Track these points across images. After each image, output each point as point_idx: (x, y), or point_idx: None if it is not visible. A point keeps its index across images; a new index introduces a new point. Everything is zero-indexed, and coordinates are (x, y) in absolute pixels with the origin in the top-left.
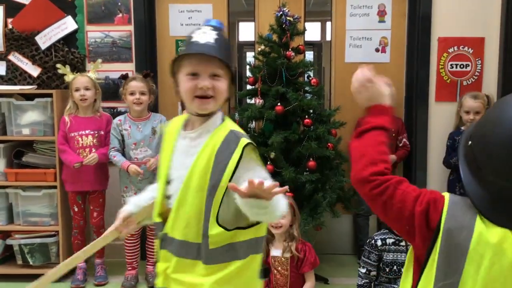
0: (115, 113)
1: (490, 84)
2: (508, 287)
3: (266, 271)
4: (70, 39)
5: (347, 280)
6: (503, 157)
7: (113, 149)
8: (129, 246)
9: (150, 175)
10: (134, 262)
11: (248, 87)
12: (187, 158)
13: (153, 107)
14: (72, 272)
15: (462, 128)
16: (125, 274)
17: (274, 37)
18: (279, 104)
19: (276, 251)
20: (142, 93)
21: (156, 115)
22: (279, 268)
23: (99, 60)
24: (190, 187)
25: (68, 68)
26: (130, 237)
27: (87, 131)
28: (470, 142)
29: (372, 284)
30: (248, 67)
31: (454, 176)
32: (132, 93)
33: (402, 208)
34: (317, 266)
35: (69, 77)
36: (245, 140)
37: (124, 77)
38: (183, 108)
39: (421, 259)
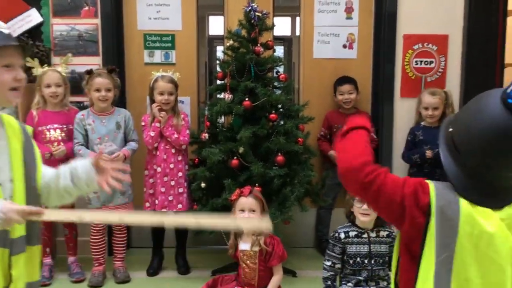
0: (81, 107)
1: (453, 80)
2: (499, 257)
3: (235, 265)
4: (35, 32)
5: (314, 272)
6: (481, 142)
7: (77, 144)
8: (95, 242)
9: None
10: (101, 258)
11: (218, 82)
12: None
13: (120, 102)
14: None
15: (422, 123)
16: (92, 271)
17: (243, 32)
18: (247, 99)
19: (244, 245)
20: (108, 90)
21: (121, 110)
22: (248, 261)
23: (69, 54)
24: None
25: (36, 61)
26: (96, 232)
27: (55, 125)
28: (451, 129)
29: (337, 277)
30: (217, 62)
31: (414, 170)
32: (97, 90)
33: (393, 193)
34: (285, 259)
35: (37, 70)
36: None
37: (89, 72)
38: (152, 103)
39: (411, 246)
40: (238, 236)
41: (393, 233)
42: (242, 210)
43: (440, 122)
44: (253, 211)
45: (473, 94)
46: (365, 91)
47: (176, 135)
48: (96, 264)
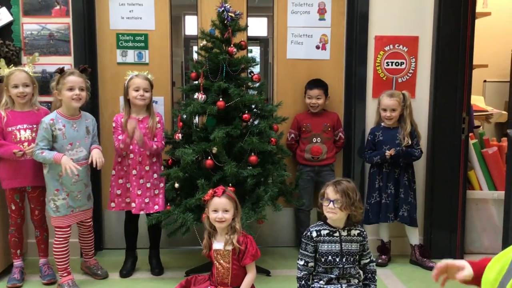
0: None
1: (423, 81)
2: None
3: (209, 265)
4: (5, 31)
5: (288, 271)
6: None
7: (39, 149)
8: (64, 250)
9: (85, 177)
10: (69, 267)
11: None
12: None
13: (92, 102)
14: (7, 271)
15: (382, 124)
16: (62, 281)
17: (217, 32)
18: (221, 99)
19: (218, 244)
20: (81, 89)
21: (86, 114)
22: (221, 260)
23: (36, 54)
24: None
25: (3, 61)
26: (63, 240)
27: (24, 126)
28: None
29: (311, 276)
30: (190, 62)
31: (374, 169)
32: (71, 89)
33: None
34: (258, 258)
35: (4, 71)
36: None
37: (61, 70)
38: (128, 103)
39: None
40: (211, 236)
41: (364, 232)
42: (216, 210)
43: (398, 123)
44: (227, 211)
45: (443, 94)
46: (337, 91)
47: (155, 146)
48: (65, 274)
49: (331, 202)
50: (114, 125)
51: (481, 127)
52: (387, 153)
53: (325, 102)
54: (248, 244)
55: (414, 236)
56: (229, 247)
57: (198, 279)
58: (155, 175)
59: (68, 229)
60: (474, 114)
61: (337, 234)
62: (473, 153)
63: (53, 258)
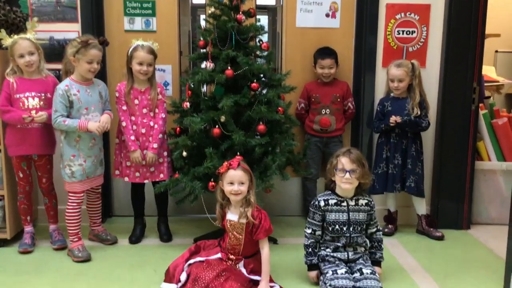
0: (60, 75)
1: (434, 50)
2: None
3: (217, 233)
4: None
5: (295, 240)
6: None
7: (60, 116)
8: (76, 215)
9: (100, 141)
10: (80, 232)
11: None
12: None
13: (99, 71)
14: (19, 237)
15: (391, 94)
16: (72, 247)
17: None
18: (229, 68)
19: (232, 216)
20: (98, 62)
21: (98, 80)
22: (234, 232)
23: (35, 19)
24: None
25: (3, 32)
26: (76, 206)
27: (33, 93)
28: None
29: (318, 244)
30: (198, 29)
31: (382, 139)
32: (90, 62)
33: None
34: (271, 233)
35: (6, 41)
36: None
37: (86, 42)
38: (131, 72)
39: None
40: (225, 207)
41: (372, 202)
42: (231, 183)
43: (407, 93)
44: (242, 183)
45: (454, 64)
46: (347, 61)
47: (160, 135)
48: (76, 239)
49: (347, 173)
50: (117, 95)
51: (491, 97)
52: (392, 119)
53: (336, 71)
54: (262, 219)
55: (421, 206)
56: (244, 220)
57: (207, 244)
58: (155, 145)
59: (82, 194)
60: (485, 84)
61: (344, 203)
62: (482, 124)
63: (63, 224)
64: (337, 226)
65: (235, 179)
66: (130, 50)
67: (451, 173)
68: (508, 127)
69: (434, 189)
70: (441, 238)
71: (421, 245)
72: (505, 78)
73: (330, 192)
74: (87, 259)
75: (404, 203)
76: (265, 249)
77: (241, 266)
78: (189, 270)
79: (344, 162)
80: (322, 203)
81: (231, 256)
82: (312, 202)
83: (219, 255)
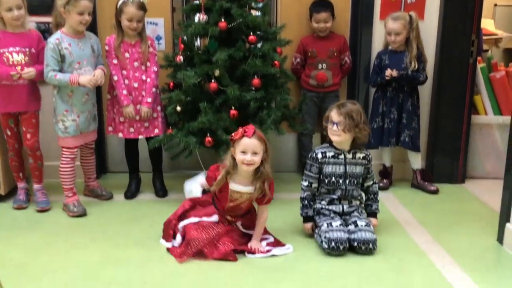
0: (45, 29)
1: (433, 2)
2: None
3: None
4: None
5: (291, 195)
6: None
7: (51, 70)
8: (69, 170)
9: (93, 96)
10: (74, 187)
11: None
12: None
13: (90, 25)
14: (13, 193)
15: (389, 47)
16: (67, 202)
17: None
18: (223, 20)
19: (238, 186)
20: (89, 14)
21: (90, 34)
22: (237, 200)
23: None
24: None
25: None
26: (70, 160)
27: (17, 48)
28: None
29: (314, 196)
30: None
31: (378, 94)
32: (81, 13)
33: None
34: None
35: None
36: None
37: None
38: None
39: None
40: (229, 177)
41: (369, 156)
42: (244, 152)
43: (405, 47)
44: (256, 153)
45: (453, 16)
46: (343, 13)
47: (154, 89)
48: (71, 194)
49: (335, 125)
50: (107, 48)
51: (489, 51)
52: (387, 72)
53: (332, 25)
54: (271, 189)
55: (416, 161)
56: (252, 191)
57: (201, 201)
58: (149, 99)
59: (75, 150)
60: (483, 37)
61: (342, 156)
62: (480, 77)
63: (53, 181)
64: (333, 179)
65: (248, 148)
66: (120, 3)
67: (447, 128)
68: (506, 81)
69: (430, 143)
70: (435, 192)
71: (416, 199)
72: (504, 31)
73: (328, 145)
74: (83, 214)
75: (400, 157)
76: (264, 213)
77: (238, 224)
78: (183, 232)
79: (333, 114)
80: (319, 155)
81: (228, 217)
82: (309, 155)
83: (215, 217)
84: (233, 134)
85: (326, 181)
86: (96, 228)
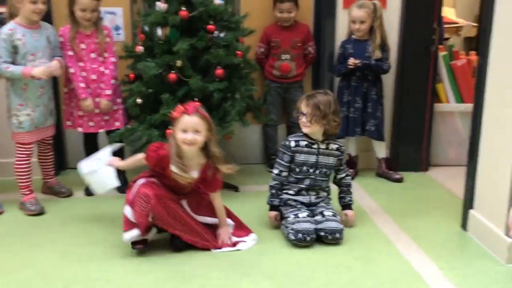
0: (2, 20)
1: None
2: None
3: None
4: None
5: (257, 187)
6: None
7: (3, 62)
8: (26, 167)
9: (49, 90)
10: (31, 185)
11: None
12: None
13: (46, 16)
14: None
15: (353, 36)
16: (24, 200)
17: None
18: (184, 9)
19: (177, 169)
20: (43, 2)
21: (46, 24)
22: (180, 182)
23: None
24: None
25: None
26: (26, 157)
27: None
28: None
29: (282, 186)
30: None
31: (343, 83)
32: (34, 2)
33: None
34: (220, 188)
35: None
36: None
37: None
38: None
39: None
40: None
41: (342, 147)
42: (185, 131)
43: (369, 36)
44: (198, 132)
45: (414, 4)
46: (307, 2)
47: (113, 81)
48: (28, 192)
49: (304, 116)
50: (61, 39)
51: (450, 39)
52: (350, 61)
53: (296, 14)
54: (216, 176)
55: (381, 150)
56: (196, 175)
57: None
58: (108, 91)
59: (31, 146)
60: (444, 26)
61: (315, 146)
62: (442, 66)
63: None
64: (304, 168)
65: (189, 126)
66: None
67: (410, 116)
68: (467, 69)
69: (394, 132)
70: (400, 180)
71: (381, 187)
72: (464, 20)
73: (302, 134)
74: (41, 212)
75: (365, 147)
76: (217, 200)
77: (184, 205)
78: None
79: (302, 105)
80: (292, 144)
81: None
82: (282, 143)
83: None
84: (172, 111)
85: (297, 169)
86: (55, 227)
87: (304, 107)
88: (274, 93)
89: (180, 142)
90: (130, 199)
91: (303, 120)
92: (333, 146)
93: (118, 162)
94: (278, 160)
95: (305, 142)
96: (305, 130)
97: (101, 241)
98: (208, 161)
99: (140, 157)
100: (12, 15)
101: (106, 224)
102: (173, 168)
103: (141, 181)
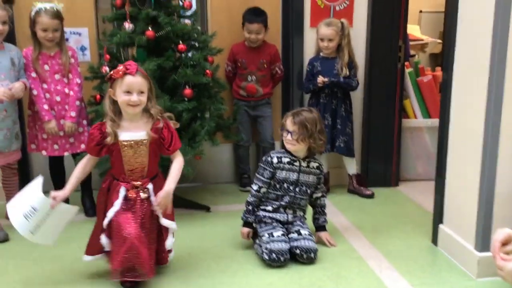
0: None
1: (361, 9)
2: None
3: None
4: None
5: (229, 207)
6: None
7: None
8: None
9: (13, 113)
10: None
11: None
12: None
13: (8, 37)
14: None
15: (321, 54)
16: None
17: None
18: (150, 29)
19: (126, 135)
20: (4, 22)
21: (10, 46)
22: (134, 154)
23: None
24: None
25: None
26: None
27: None
28: None
29: (260, 202)
30: None
31: (312, 100)
32: None
33: None
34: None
35: None
36: None
37: (7, 0)
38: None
39: None
40: (115, 126)
41: (322, 166)
42: (129, 92)
43: (336, 53)
44: (142, 92)
45: (380, 22)
46: (274, 22)
47: (78, 102)
48: None
49: (289, 134)
50: (24, 61)
51: (416, 56)
52: (319, 79)
53: (265, 36)
54: (170, 129)
55: (352, 166)
56: (146, 137)
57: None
58: (73, 113)
59: None
60: (410, 43)
61: (297, 163)
62: (408, 82)
63: None
64: (285, 184)
65: (134, 87)
66: (33, 13)
67: (379, 132)
68: (433, 84)
69: (364, 148)
70: (371, 196)
71: (352, 204)
72: (429, 37)
73: (284, 150)
74: (4, 239)
75: (336, 163)
76: (177, 158)
77: (151, 191)
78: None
79: (288, 122)
80: (275, 160)
81: (136, 183)
82: (264, 158)
83: (122, 192)
84: (111, 72)
85: (278, 186)
86: (20, 253)
87: (290, 124)
88: (242, 112)
89: (124, 105)
90: (107, 231)
91: (288, 138)
92: (314, 164)
93: (60, 193)
94: (258, 175)
95: (287, 159)
96: (289, 147)
97: (67, 267)
98: (155, 118)
99: (82, 162)
100: None
101: (73, 249)
102: (122, 135)
103: (114, 211)
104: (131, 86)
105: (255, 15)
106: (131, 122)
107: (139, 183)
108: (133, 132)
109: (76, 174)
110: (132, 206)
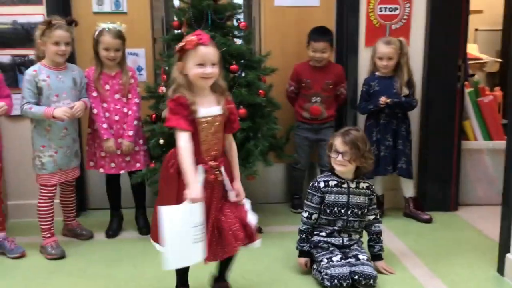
0: (26, 62)
1: (418, 27)
2: None
3: None
4: None
5: (281, 228)
6: None
7: (27, 103)
8: (48, 210)
9: (74, 131)
10: (53, 228)
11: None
12: None
13: (71, 58)
14: None
15: (377, 73)
16: (45, 243)
17: None
18: None
19: (205, 110)
20: (67, 44)
21: (73, 66)
22: (211, 130)
23: None
24: None
25: None
26: (48, 199)
27: None
28: None
29: (313, 229)
30: (172, 9)
31: (371, 121)
32: (57, 43)
33: None
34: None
35: None
36: None
37: (49, 23)
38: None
39: None
40: (193, 103)
41: (373, 186)
42: (202, 64)
43: (394, 72)
44: (214, 64)
45: (439, 41)
46: None
47: (136, 121)
48: (49, 235)
49: (340, 155)
50: (86, 81)
51: (475, 75)
52: (382, 100)
53: (331, 55)
54: (234, 107)
55: (409, 189)
56: (222, 111)
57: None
58: (131, 133)
59: (54, 188)
60: (469, 62)
61: (345, 185)
62: (468, 102)
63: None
64: (335, 208)
65: (207, 58)
66: (96, 34)
67: (437, 154)
68: (494, 105)
69: (421, 170)
70: (429, 220)
71: (410, 228)
72: (487, 55)
73: (331, 173)
74: (62, 256)
75: (391, 186)
76: (233, 143)
77: (223, 173)
78: None
79: (337, 143)
80: (322, 184)
81: (212, 163)
82: (311, 184)
83: (201, 173)
84: (181, 44)
85: (328, 211)
86: (76, 271)
87: (340, 145)
88: (302, 136)
89: (197, 78)
90: None
91: (338, 159)
92: (363, 185)
93: (198, 192)
94: (307, 202)
95: (334, 182)
96: (339, 168)
97: (121, 286)
98: (225, 91)
99: (185, 149)
100: (39, 57)
101: (127, 268)
102: (201, 111)
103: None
104: (205, 57)
105: (321, 33)
106: (203, 97)
107: (215, 163)
108: (208, 108)
109: (190, 161)
110: (212, 190)
